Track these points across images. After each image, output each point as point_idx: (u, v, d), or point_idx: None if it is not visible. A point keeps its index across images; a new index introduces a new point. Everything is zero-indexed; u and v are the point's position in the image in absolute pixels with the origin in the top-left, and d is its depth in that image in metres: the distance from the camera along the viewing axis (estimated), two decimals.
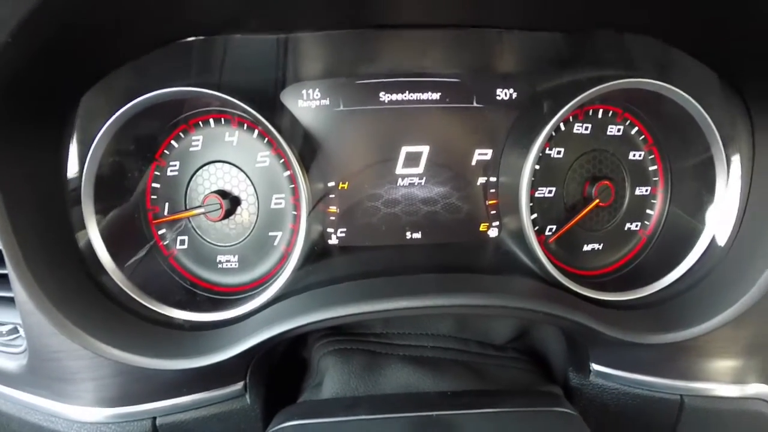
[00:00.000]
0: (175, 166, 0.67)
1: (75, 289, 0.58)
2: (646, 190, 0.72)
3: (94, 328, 0.55)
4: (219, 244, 0.68)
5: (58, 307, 0.53)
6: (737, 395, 0.64)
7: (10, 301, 0.61)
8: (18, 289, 0.57)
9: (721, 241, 0.66)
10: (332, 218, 0.69)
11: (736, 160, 0.64)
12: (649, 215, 0.72)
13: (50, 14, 0.41)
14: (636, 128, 0.69)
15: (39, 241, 0.55)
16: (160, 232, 0.68)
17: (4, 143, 0.50)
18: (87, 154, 0.61)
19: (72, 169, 0.61)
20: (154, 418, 0.60)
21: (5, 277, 0.60)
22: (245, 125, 0.65)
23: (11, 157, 0.52)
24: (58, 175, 0.59)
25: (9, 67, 0.45)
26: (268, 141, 0.65)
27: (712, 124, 0.64)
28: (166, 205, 0.68)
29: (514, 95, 0.66)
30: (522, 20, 0.59)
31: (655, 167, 0.71)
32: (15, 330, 0.65)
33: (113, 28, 0.50)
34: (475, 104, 0.67)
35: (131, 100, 0.60)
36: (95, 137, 0.61)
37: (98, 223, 0.62)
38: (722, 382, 0.64)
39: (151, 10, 0.49)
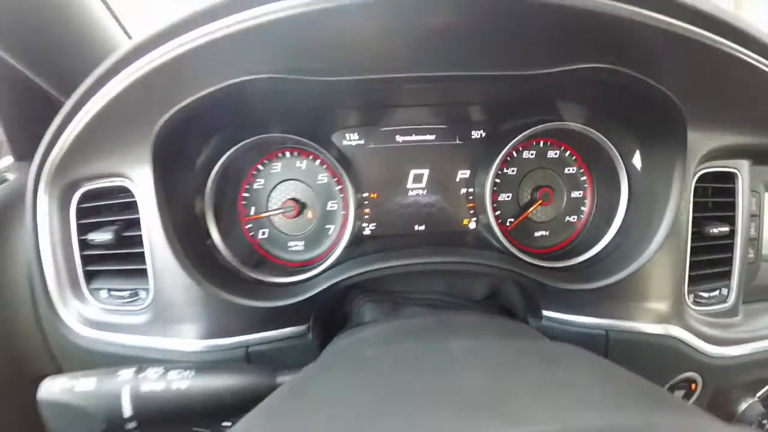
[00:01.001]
0: (261, 182, 0.99)
1: (202, 261, 0.85)
2: (579, 194, 1.02)
3: (215, 284, 0.81)
4: (290, 233, 1.01)
5: (197, 271, 0.80)
6: (657, 332, 0.82)
7: (139, 272, 0.83)
8: (165, 261, 0.79)
9: (628, 224, 0.92)
10: (366, 217, 1.02)
11: (632, 169, 0.92)
12: (582, 210, 1.02)
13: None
14: (568, 152, 1.01)
15: (183, 232, 0.83)
16: (247, 227, 1.01)
17: (165, 171, 0.80)
18: (208, 179, 0.93)
19: (198, 188, 0.92)
20: (247, 347, 0.82)
21: (139, 255, 0.82)
22: (311, 156, 0.99)
23: (168, 180, 0.81)
24: (189, 192, 0.90)
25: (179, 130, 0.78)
26: (326, 167, 0.99)
27: (613, 148, 0.94)
28: (252, 208, 1.00)
29: (483, 134, 1.00)
30: (483, 99, 0.93)
31: (584, 177, 1.01)
32: (135, 294, 0.87)
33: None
34: (457, 141, 1.00)
35: (238, 143, 0.95)
36: (213, 167, 0.93)
37: (215, 220, 0.93)
38: (643, 321, 0.82)
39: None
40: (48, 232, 0.84)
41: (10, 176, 1.01)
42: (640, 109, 0.82)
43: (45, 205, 0.83)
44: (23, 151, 1.07)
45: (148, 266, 0.82)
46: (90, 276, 0.87)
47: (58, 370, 0.93)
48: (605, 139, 0.94)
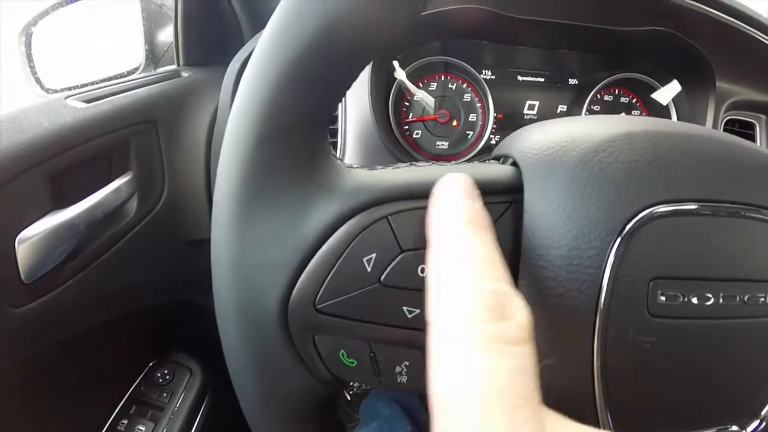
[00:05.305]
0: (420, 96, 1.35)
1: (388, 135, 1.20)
2: None
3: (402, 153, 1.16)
4: (439, 135, 1.32)
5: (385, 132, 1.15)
6: None
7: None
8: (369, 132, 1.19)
9: None
10: (493, 129, 1.36)
11: (680, 111, 1.35)
12: None
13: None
14: (634, 99, 1.39)
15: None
16: (405, 127, 1.32)
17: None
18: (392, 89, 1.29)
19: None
20: None
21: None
22: (460, 80, 1.33)
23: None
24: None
25: None
26: (471, 89, 1.33)
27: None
28: (411, 114, 1.31)
29: (576, 82, 1.38)
30: (579, 53, 1.36)
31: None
32: None
33: None
34: (558, 85, 1.37)
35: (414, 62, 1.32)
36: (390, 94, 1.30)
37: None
38: None
39: None
40: None
41: (185, 74, 1.26)
42: (684, 64, 1.26)
43: None
44: (194, 59, 1.35)
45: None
46: None
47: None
48: (660, 86, 1.38)
